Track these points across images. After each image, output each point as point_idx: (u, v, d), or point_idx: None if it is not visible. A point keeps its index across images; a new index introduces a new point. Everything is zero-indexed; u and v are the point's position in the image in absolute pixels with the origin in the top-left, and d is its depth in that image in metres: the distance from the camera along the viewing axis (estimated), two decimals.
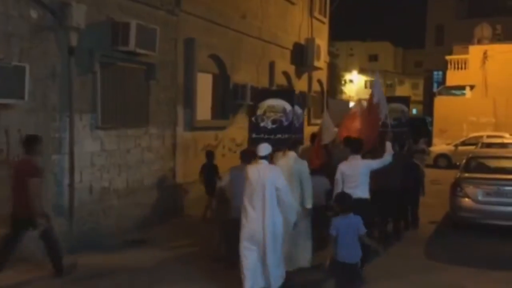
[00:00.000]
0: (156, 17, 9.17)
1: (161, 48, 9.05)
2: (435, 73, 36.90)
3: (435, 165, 19.28)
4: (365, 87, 61.05)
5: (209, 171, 9.40)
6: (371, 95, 8.91)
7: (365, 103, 9.30)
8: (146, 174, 9.27)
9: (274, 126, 7.14)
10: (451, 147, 20.49)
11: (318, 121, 17.61)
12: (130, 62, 8.80)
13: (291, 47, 15.17)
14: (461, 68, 27.01)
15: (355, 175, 6.70)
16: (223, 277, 6.50)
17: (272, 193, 5.70)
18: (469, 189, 9.33)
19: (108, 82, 8.36)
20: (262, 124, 7.20)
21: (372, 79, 60.85)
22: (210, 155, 9.80)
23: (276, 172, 5.86)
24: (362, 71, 61.08)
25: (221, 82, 11.90)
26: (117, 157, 8.56)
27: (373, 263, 7.15)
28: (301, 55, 15.58)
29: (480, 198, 9.23)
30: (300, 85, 16.13)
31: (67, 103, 7.45)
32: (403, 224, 9.32)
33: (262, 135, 7.07)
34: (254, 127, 7.22)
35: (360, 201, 6.33)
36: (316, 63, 15.81)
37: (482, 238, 8.89)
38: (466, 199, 9.33)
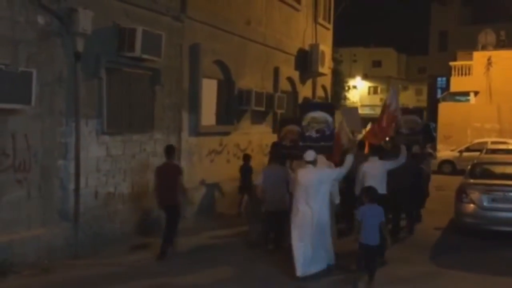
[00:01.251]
0: (161, 23, 9.23)
1: (166, 53, 9.09)
2: (439, 79, 36.88)
3: (439, 171, 19.23)
4: (369, 93, 61.09)
5: (246, 172, 10.21)
6: (387, 106, 10.06)
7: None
8: (151, 179, 9.27)
9: (318, 135, 7.89)
10: (456, 153, 20.46)
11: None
12: (136, 68, 8.84)
13: (295, 53, 15.21)
14: (465, 74, 27.01)
15: (375, 174, 7.97)
16: (259, 261, 7.54)
17: (317, 190, 6.78)
18: (474, 195, 9.31)
19: (114, 87, 8.40)
20: (307, 134, 7.96)
21: (376, 85, 60.98)
22: (247, 158, 10.71)
23: (322, 172, 7.07)
24: (365, 77, 61.11)
25: (226, 87, 11.94)
26: (122, 162, 8.59)
27: (379, 269, 7.14)
28: (305, 61, 15.61)
29: (485, 204, 9.21)
30: (304, 90, 16.16)
31: (73, 109, 7.49)
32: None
33: (308, 143, 7.76)
34: (300, 136, 8.13)
35: (379, 196, 7.01)
36: (320, 69, 15.84)
37: (487, 244, 8.86)
38: (471, 205, 9.31)
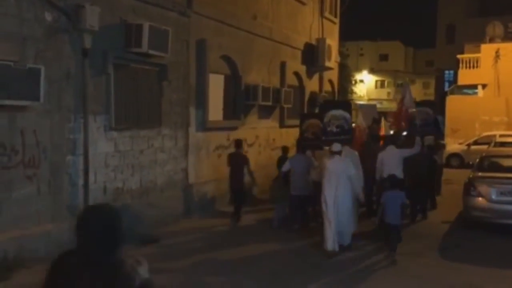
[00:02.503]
0: (168, 19, 9.24)
1: (173, 49, 9.11)
2: (447, 72, 36.65)
3: (447, 164, 19.12)
4: (376, 87, 60.87)
5: (283, 162, 10.59)
6: (401, 101, 11.07)
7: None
8: (159, 175, 9.34)
9: (338, 130, 9.22)
10: (464, 147, 20.34)
11: None
12: (143, 64, 8.87)
13: (302, 47, 15.17)
14: (473, 67, 26.81)
15: (392, 161, 9.05)
16: (291, 239, 8.67)
17: (342, 177, 7.81)
18: (483, 188, 9.28)
19: (121, 83, 8.44)
20: (328, 129, 9.30)
21: (383, 79, 60.75)
22: (285, 149, 11.09)
23: (346, 162, 8.06)
24: (372, 71, 60.87)
25: (233, 82, 11.95)
26: (130, 158, 8.64)
27: (387, 262, 7.16)
28: (312, 55, 15.58)
29: (493, 197, 9.18)
30: (311, 85, 16.14)
31: (81, 105, 7.53)
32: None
33: (330, 137, 9.02)
34: (323, 131, 9.47)
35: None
36: (327, 63, 15.80)
37: (495, 238, 8.83)
38: (480, 199, 9.28)
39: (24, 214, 6.76)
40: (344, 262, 7.44)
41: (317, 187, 8.53)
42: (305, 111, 15.63)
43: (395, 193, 7.73)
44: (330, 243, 7.70)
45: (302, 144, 9.85)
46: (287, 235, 8.83)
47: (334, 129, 9.21)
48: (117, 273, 2.33)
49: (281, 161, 10.77)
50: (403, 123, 10.93)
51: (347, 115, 9.28)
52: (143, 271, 2.40)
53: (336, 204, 7.78)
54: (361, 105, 17.44)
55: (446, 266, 7.32)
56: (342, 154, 8.08)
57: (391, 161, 9.08)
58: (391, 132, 12.76)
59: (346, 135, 9.17)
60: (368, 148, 10.27)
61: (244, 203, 10.07)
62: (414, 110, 10.83)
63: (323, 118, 9.42)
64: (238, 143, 10.11)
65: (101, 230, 2.36)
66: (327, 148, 8.61)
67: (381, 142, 10.88)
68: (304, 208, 9.38)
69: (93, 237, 2.36)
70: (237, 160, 9.80)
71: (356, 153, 9.21)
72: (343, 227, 7.88)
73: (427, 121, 10.96)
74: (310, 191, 9.13)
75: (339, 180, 7.80)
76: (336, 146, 8.04)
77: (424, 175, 10.24)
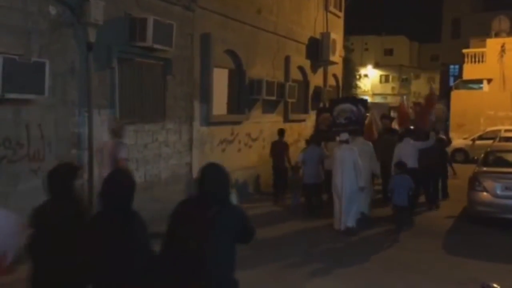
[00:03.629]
0: (172, 13, 9.23)
1: (177, 43, 9.10)
2: (452, 67, 36.50)
3: (452, 159, 19.07)
4: (380, 81, 60.67)
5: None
6: (431, 97, 12.13)
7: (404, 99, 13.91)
8: (163, 169, 9.36)
9: (346, 121, 10.21)
10: (468, 142, 20.27)
11: None
12: (147, 58, 8.87)
13: (306, 41, 15.13)
14: (478, 62, 26.68)
15: (408, 152, 9.74)
16: (307, 221, 9.57)
17: (348, 163, 8.61)
18: (488, 183, 9.26)
19: (125, 77, 8.44)
20: (338, 121, 10.34)
21: (387, 73, 60.52)
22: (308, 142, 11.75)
23: (353, 151, 8.78)
24: (377, 65, 60.65)
25: (237, 77, 11.94)
26: (134, 152, 8.65)
27: (391, 256, 7.16)
28: (317, 50, 15.53)
29: (498, 192, 9.15)
30: (316, 79, 16.10)
31: (86, 99, 7.54)
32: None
33: (339, 128, 9.94)
34: (332, 123, 10.49)
35: (412, 169, 9.30)
36: (331, 58, 15.75)
37: (500, 233, 8.82)
38: (485, 193, 9.26)
39: (29, 207, 6.77)
40: (349, 250, 7.56)
41: (329, 176, 9.43)
42: (310, 105, 15.63)
43: (403, 178, 8.69)
44: (338, 223, 8.79)
45: (317, 135, 10.88)
46: (305, 218, 9.75)
47: (343, 121, 10.22)
48: (235, 211, 3.39)
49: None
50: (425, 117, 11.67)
51: (353, 107, 10.27)
52: (234, 199, 3.52)
53: (343, 188, 8.62)
54: (374, 104, 18.43)
55: (450, 261, 7.32)
56: (349, 143, 8.96)
57: (407, 153, 9.75)
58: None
59: (354, 125, 10.09)
60: (382, 140, 10.99)
61: (285, 187, 11.27)
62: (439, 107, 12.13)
63: (333, 112, 10.53)
64: (281, 132, 11.44)
65: (217, 183, 3.35)
66: (338, 138, 9.37)
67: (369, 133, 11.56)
68: (317, 194, 10.17)
69: (210, 188, 3.34)
70: (280, 147, 11.22)
71: (370, 143, 10.04)
72: (349, 209, 8.70)
73: (441, 117, 12.10)
74: (321, 179, 10.07)
75: (345, 166, 8.64)
76: (344, 136, 8.93)
77: (437, 165, 11.11)
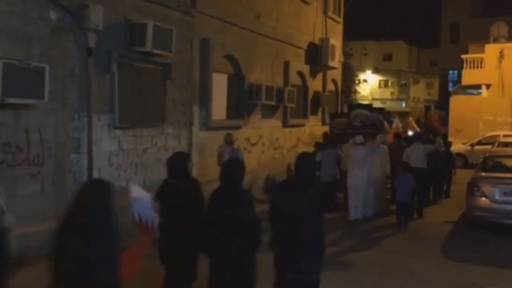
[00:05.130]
0: (172, 18, 9.26)
1: (177, 48, 9.13)
2: (451, 72, 36.59)
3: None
4: (379, 87, 60.76)
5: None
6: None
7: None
8: (162, 174, 9.30)
9: (361, 124, 11.82)
10: (467, 147, 20.29)
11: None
12: (147, 63, 8.89)
13: (305, 46, 15.18)
14: (477, 67, 26.74)
15: (418, 154, 10.68)
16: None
17: (362, 162, 9.67)
18: (486, 188, 9.27)
19: (125, 82, 8.46)
20: (354, 124, 11.86)
21: (386, 78, 60.65)
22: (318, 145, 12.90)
23: (366, 151, 9.84)
24: (376, 70, 60.77)
25: (236, 82, 11.96)
26: (134, 157, 8.66)
27: (390, 261, 7.16)
28: (316, 55, 15.58)
29: (497, 197, 9.17)
30: (315, 84, 16.14)
31: (86, 103, 7.56)
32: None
33: (355, 130, 11.31)
34: (348, 126, 12.03)
35: (421, 169, 10.45)
36: (330, 63, 15.79)
37: (498, 238, 8.83)
38: (483, 199, 9.27)
39: (29, 212, 6.79)
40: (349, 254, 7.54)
41: (344, 175, 10.45)
42: (309, 110, 15.67)
43: (406, 176, 9.65)
44: (352, 214, 9.71)
45: (332, 138, 12.13)
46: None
47: (358, 124, 11.84)
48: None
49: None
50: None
51: (368, 113, 11.95)
52: None
53: (356, 184, 9.65)
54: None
55: (449, 266, 7.33)
56: (364, 144, 10.08)
57: (417, 155, 10.63)
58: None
59: (368, 129, 11.50)
60: (396, 144, 12.12)
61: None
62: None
63: (350, 116, 12.15)
64: (325, 135, 12.94)
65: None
66: (351, 141, 10.73)
67: (391, 138, 12.86)
68: (333, 192, 10.77)
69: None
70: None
71: (385, 147, 11.08)
72: (361, 203, 9.71)
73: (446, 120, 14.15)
74: (336, 178, 10.87)
75: (359, 165, 9.66)
76: (359, 138, 10.06)
77: (443, 166, 12.20)
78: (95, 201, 3.58)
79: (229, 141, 10.19)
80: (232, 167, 4.45)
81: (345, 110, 16.66)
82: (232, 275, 4.09)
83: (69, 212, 3.57)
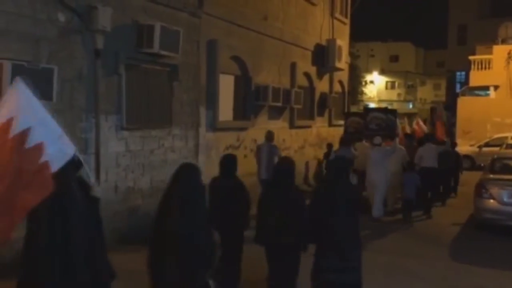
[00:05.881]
0: (179, 19, 9.29)
1: (184, 50, 9.15)
2: (458, 73, 36.41)
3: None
4: (386, 88, 60.61)
5: (329, 157, 12.63)
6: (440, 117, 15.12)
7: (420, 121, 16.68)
8: (169, 175, 9.29)
9: (377, 127, 12.08)
10: (475, 148, 20.20)
11: (340, 122, 17.67)
12: (154, 64, 8.92)
13: (312, 48, 15.17)
14: (485, 68, 26.61)
15: (430, 155, 11.30)
16: None
17: (380, 163, 10.28)
18: (494, 190, 9.23)
19: (132, 83, 8.49)
20: (370, 126, 12.19)
21: (393, 80, 60.50)
22: (330, 146, 13.45)
23: (383, 151, 10.54)
24: (383, 72, 60.63)
25: (243, 83, 11.97)
26: (141, 158, 8.69)
27: (397, 263, 7.13)
28: (322, 56, 15.56)
29: (505, 199, 9.13)
30: (322, 86, 16.12)
31: (93, 104, 7.59)
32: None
33: (371, 133, 11.74)
34: (365, 127, 12.38)
35: (432, 168, 11.12)
36: (337, 64, 15.77)
37: (506, 240, 8.78)
38: (491, 201, 9.23)
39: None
40: None
41: (359, 174, 11.09)
42: (315, 112, 15.65)
43: (412, 175, 10.35)
44: (375, 212, 10.23)
45: (347, 138, 12.21)
46: None
47: (374, 126, 12.18)
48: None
49: (326, 156, 13.22)
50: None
51: (384, 116, 12.39)
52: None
53: (375, 183, 10.24)
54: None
55: (456, 268, 7.29)
56: (381, 145, 10.73)
57: (429, 155, 11.23)
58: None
59: (384, 131, 11.84)
60: (408, 145, 12.66)
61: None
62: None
63: (366, 119, 12.53)
64: (329, 146, 13.47)
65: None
66: (363, 142, 11.68)
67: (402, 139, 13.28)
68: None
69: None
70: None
71: (403, 148, 11.62)
72: (380, 201, 10.36)
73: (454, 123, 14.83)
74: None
75: (378, 165, 10.25)
76: (377, 139, 10.75)
77: (452, 166, 12.83)
78: (190, 182, 4.23)
79: (269, 138, 10.66)
80: (289, 163, 5.45)
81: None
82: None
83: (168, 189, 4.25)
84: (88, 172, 4.32)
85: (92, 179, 4.75)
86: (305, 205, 5.06)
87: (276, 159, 9.46)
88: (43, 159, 3.49)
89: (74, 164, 3.83)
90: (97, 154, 7.67)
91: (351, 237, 4.89)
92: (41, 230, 3.51)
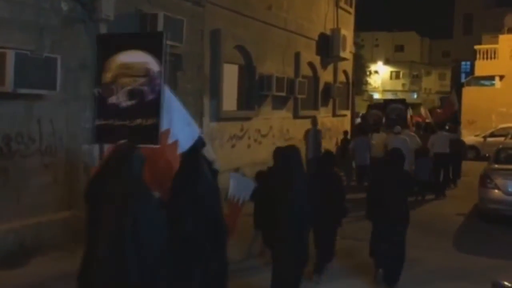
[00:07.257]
0: (183, 9, 9.24)
1: (187, 39, 9.10)
2: (463, 63, 36.22)
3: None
4: (391, 78, 60.32)
5: (346, 143, 14.09)
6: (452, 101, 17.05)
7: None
8: None
9: (396, 117, 14.08)
10: (480, 139, 20.11)
11: (344, 112, 17.55)
12: None
13: (316, 37, 15.09)
14: (491, 58, 26.42)
15: (441, 141, 12.18)
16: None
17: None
18: (499, 180, 9.20)
19: None
20: (391, 117, 14.26)
21: (398, 70, 60.20)
22: (346, 133, 15.47)
23: (403, 140, 11.22)
24: (387, 62, 60.29)
25: (247, 73, 11.94)
26: None
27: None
28: (327, 46, 15.49)
29: (510, 189, 9.10)
30: (326, 75, 16.05)
31: None
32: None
33: (392, 122, 13.47)
34: (387, 118, 14.57)
35: (444, 154, 12.00)
36: (341, 54, 15.70)
37: (511, 230, 8.75)
38: (496, 191, 9.20)
39: (41, 202, 6.85)
40: None
41: (374, 161, 11.83)
42: (319, 102, 15.61)
43: (425, 159, 11.47)
44: None
45: (365, 127, 13.94)
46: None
47: (394, 117, 14.14)
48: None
49: (343, 143, 14.49)
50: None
51: (403, 107, 14.70)
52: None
53: None
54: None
55: (461, 259, 7.28)
56: (401, 133, 11.73)
57: (440, 142, 12.07)
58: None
59: (403, 121, 13.58)
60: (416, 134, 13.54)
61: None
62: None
63: (387, 109, 14.72)
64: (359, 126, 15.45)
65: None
66: (379, 133, 12.97)
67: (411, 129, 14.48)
68: (366, 172, 12.57)
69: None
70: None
71: (416, 136, 12.54)
72: None
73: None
74: (367, 162, 12.42)
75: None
76: (397, 129, 11.89)
77: (461, 152, 13.71)
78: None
79: (314, 123, 12.42)
80: (330, 154, 6.92)
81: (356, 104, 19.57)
82: None
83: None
84: (210, 150, 5.43)
85: (213, 156, 5.58)
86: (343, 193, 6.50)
87: (320, 141, 12.09)
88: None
89: (200, 144, 4.98)
90: (101, 144, 7.64)
91: (403, 214, 5.97)
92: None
